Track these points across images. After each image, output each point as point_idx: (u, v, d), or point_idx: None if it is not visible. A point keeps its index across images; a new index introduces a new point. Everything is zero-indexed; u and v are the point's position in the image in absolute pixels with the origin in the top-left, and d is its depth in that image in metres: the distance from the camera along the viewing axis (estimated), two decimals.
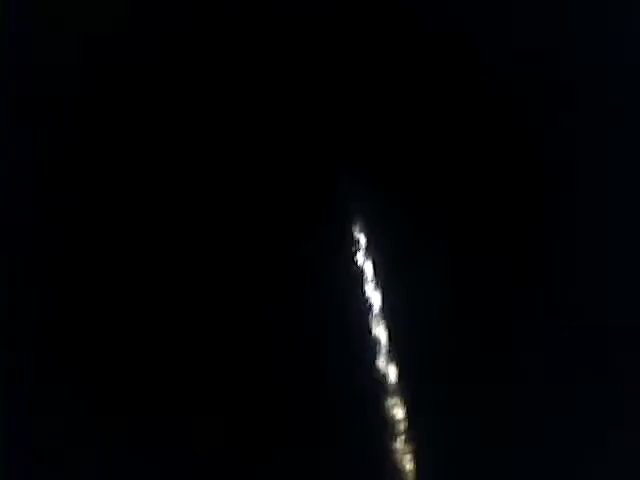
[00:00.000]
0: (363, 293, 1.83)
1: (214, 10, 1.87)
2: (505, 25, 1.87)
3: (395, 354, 1.82)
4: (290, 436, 1.79)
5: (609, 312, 1.83)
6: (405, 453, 1.79)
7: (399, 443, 1.79)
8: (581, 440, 1.81)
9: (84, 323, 1.82)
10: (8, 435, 1.80)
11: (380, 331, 1.82)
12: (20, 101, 1.87)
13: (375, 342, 1.82)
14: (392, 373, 1.82)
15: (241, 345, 1.81)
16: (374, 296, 1.83)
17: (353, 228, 1.84)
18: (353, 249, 1.84)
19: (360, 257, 1.84)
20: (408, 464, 1.79)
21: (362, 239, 1.84)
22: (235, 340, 1.81)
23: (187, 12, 1.87)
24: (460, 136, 1.86)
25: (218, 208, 1.84)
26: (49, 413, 1.81)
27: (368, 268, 1.84)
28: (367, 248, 1.84)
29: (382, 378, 1.81)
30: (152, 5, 1.87)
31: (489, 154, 1.85)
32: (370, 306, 1.83)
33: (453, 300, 1.82)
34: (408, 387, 1.81)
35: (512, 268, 1.84)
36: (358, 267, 1.84)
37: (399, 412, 1.81)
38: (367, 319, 1.82)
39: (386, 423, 1.80)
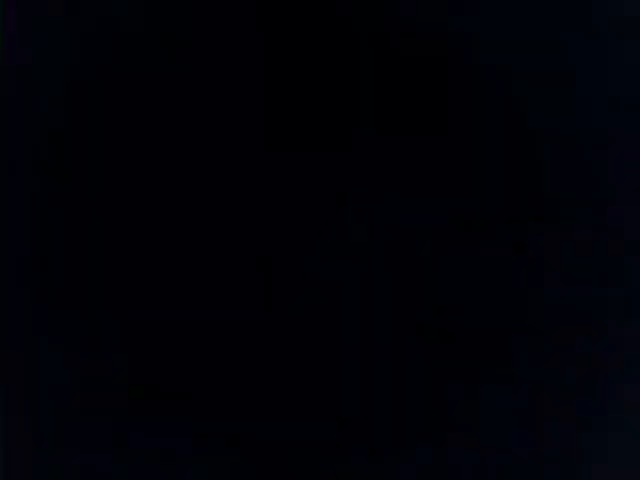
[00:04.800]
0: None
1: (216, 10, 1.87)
2: (505, 23, 1.87)
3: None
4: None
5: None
6: None
7: None
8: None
9: (82, 324, 1.82)
10: (7, 434, 1.81)
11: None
12: (20, 100, 1.86)
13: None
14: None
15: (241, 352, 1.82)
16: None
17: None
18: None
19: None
20: None
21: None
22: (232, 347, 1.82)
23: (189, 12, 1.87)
24: (459, 136, 1.86)
25: (219, 213, 1.84)
26: (48, 413, 1.81)
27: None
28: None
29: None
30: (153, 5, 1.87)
31: (489, 154, 1.85)
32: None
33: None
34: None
35: (511, 268, 1.84)
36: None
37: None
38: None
39: None
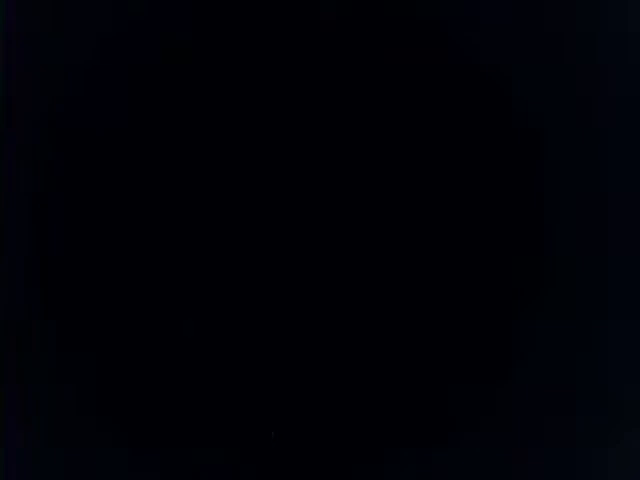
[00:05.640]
0: None
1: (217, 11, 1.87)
2: (506, 24, 1.87)
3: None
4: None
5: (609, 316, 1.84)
6: None
7: None
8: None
9: (84, 325, 1.83)
10: (8, 436, 1.81)
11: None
12: (22, 101, 1.86)
13: None
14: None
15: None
16: None
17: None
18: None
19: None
20: None
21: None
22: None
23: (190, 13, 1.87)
24: (460, 138, 1.86)
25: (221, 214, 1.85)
26: (48, 413, 1.81)
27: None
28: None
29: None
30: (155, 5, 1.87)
31: (489, 155, 1.85)
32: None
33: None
34: None
35: (510, 270, 1.84)
36: None
37: None
38: None
39: None
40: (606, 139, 1.86)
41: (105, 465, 1.81)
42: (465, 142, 1.85)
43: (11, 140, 1.85)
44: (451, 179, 1.85)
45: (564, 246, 1.84)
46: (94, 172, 1.85)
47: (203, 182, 1.85)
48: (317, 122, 1.85)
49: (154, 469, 1.80)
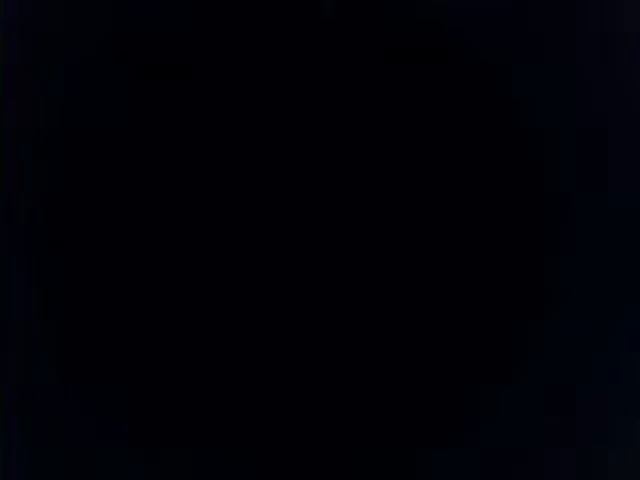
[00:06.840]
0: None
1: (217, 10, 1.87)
2: (506, 25, 1.87)
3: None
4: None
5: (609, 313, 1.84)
6: None
7: None
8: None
9: (87, 327, 1.83)
10: (8, 437, 1.81)
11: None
12: (25, 98, 1.87)
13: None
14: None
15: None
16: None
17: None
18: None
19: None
20: None
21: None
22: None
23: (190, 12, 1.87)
24: (460, 138, 1.86)
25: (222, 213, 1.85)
26: (48, 413, 1.81)
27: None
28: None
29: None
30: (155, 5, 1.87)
31: (490, 156, 1.85)
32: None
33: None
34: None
35: (510, 272, 1.84)
36: None
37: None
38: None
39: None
40: (606, 140, 1.86)
41: (105, 465, 1.81)
42: (465, 142, 1.85)
43: (11, 140, 1.85)
44: (451, 179, 1.85)
45: (565, 245, 1.84)
46: (93, 172, 1.85)
47: (204, 182, 1.85)
48: (317, 122, 1.86)
49: (154, 469, 1.80)
